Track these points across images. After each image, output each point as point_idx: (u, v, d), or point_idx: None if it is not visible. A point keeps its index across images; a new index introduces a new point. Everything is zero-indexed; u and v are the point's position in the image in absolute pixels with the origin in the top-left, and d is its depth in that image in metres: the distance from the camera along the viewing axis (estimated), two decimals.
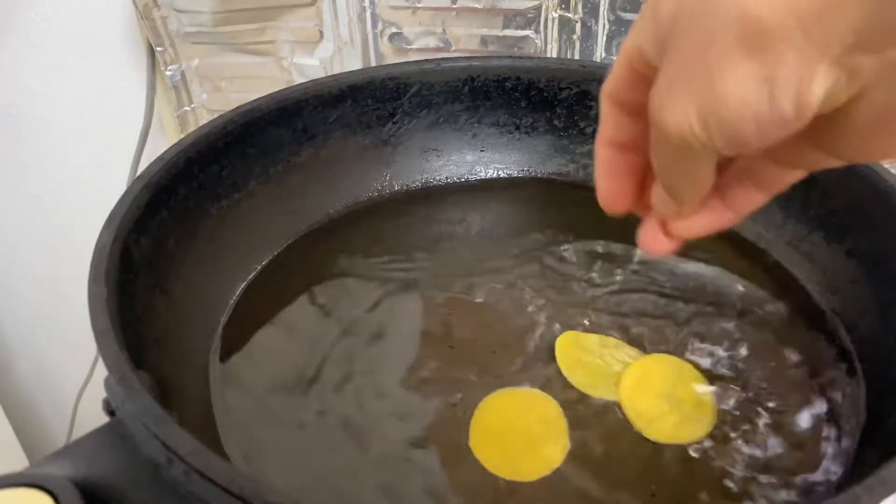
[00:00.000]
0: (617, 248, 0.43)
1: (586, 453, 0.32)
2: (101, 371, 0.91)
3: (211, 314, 0.38)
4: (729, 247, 0.42)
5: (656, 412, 0.33)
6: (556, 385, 0.35)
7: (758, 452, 0.31)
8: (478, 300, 0.40)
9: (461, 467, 0.31)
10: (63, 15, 0.66)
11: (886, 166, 0.38)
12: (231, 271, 0.40)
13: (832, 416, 0.32)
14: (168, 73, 0.63)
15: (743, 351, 0.36)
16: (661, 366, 0.36)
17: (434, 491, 0.31)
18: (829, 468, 0.30)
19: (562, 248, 0.43)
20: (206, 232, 0.39)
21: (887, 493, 0.21)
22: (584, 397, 0.34)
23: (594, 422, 0.33)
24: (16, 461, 0.90)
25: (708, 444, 0.32)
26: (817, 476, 0.30)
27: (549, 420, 0.33)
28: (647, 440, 0.32)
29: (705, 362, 0.36)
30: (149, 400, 0.24)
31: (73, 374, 0.85)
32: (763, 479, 0.30)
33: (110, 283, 0.29)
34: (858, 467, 0.30)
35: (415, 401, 0.34)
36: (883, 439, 0.27)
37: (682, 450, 0.32)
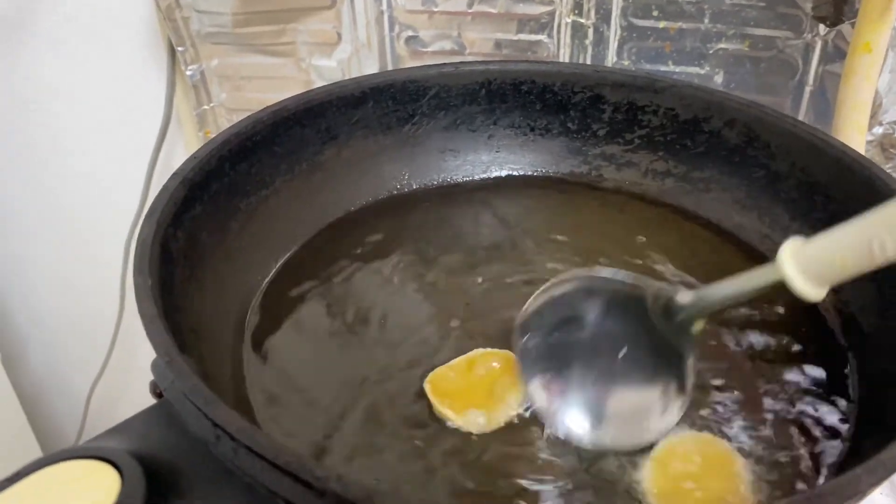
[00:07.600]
0: (622, 247, 0.45)
1: None
2: (114, 364, 0.91)
3: (239, 304, 0.39)
4: (736, 251, 0.44)
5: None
6: None
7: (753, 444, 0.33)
8: (486, 296, 0.41)
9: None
10: (85, 14, 0.68)
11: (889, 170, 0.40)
12: (258, 264, 0.42)
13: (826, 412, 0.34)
14: (188, 72, 0.64)
15: (747, 347, 0.38)
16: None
17: None
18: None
19: (573, 247, 0.45)
20: (235, 226, 0.40)
21: (887, 475, 0.23)
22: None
23: None
24: (31, 451, 0.91)
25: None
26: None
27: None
28: None
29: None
30: (197, 381, 0.26)
31: (86, 368, 0.86)
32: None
33: (153, 274, 0.31)
34: (857, 459, 0.31)
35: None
36: (880, 431, 0.29)
37: None
